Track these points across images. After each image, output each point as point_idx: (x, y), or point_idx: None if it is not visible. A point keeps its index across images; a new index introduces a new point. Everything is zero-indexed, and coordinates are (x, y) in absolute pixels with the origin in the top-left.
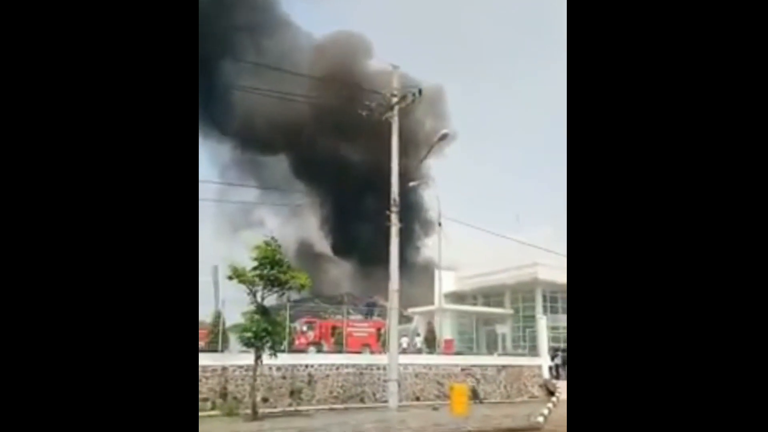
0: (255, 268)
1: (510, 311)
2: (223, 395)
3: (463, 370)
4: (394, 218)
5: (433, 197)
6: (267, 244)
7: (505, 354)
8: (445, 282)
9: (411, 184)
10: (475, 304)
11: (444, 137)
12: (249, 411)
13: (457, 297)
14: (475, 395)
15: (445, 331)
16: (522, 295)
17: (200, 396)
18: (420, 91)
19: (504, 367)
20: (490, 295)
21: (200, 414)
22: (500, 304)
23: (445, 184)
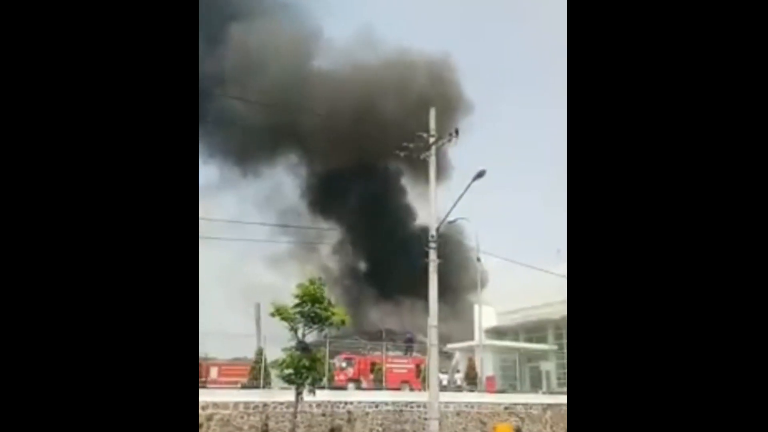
0: (296, 305)
1: (554, 347)
2: None
3: (506, 408)
4: (433, 254)
5: (471, 232)
6: (311, 282)
7: (550, 392)
8: (486, 317)
9: (449, 220)
10: (516, 340)
11: (481, 175)
12: None
13: (498, 333)
14: None
15: (487, 367)
16: (566, 330)
17: None
18: (456, 131)
19: (549, 405)
20: (533, 331)
21: None
22: (543, 340)
23: (482, 217)
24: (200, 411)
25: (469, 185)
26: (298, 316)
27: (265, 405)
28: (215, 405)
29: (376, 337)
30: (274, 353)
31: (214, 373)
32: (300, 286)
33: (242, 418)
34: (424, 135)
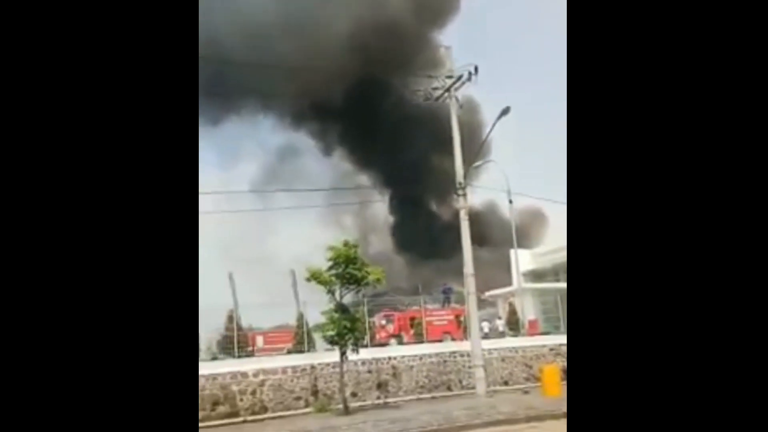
0: (330, 268)
1: None
2: (314, 393)
3: (551, 350)
4: (462, 201)
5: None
6: (344, 244)
7: None
8: (522, 260)
9: (475, 164)
10: (557, 281)
11: (506, 112)
12: (340, 406)
13: (536, 275)
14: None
15: (528, 311)
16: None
17: (293, 395)
18: (476, 69)
19: None
20: None
21: (295, 412)
22: None
23: (509, 159)
24: (252, 378)
25: (494, 124)
26: (333, 278)
27: (312, 367)
28: (265, 371)
29: (412, 291)
30: (312, 318)
31: (260, 341)
32: (332, 248)
33: (292, 381)
34: (443, 78)
